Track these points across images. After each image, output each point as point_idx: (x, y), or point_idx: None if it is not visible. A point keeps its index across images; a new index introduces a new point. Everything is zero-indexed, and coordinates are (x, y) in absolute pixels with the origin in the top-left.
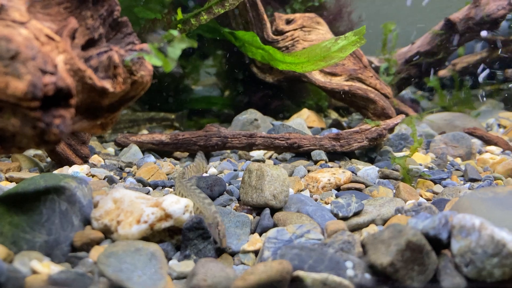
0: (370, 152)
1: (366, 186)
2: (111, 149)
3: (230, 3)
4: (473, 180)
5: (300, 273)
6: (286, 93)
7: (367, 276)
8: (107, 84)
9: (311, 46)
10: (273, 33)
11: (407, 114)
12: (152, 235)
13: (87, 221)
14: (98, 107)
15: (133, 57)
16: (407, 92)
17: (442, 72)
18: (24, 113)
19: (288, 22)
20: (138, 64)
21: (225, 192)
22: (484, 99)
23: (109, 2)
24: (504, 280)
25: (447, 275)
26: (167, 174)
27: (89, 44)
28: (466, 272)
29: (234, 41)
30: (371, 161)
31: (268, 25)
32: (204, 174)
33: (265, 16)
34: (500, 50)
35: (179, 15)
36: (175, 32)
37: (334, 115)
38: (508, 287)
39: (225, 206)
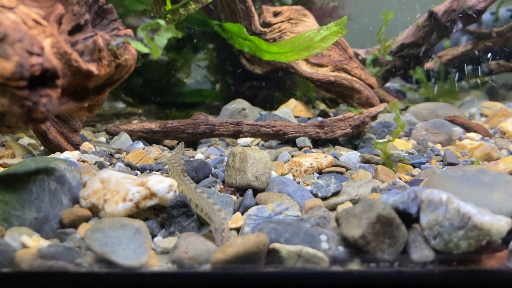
0: (354, 140)
1: (347, 170)
2: (102, 138)
3: None
4: (452, 164)
5: (276, 245)
6: (275, 84)
7: (341, 248)
8: (92, 67)
9: (295, 36)
10: (261, 25)
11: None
12: (138, 213)
13: (76, 201)
14: (84, 89)
15: (119, 43)
16: (392, 84)
17: (428, 64)
18: (12, 92)
19: (276, 14)
20: (122, 49)
21: (210, 175)
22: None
23: None
24: (470, 251)
25: (416, 247)
26: (155, 159)
27: (76, 29)
28: (434, 244)
29: (222, 33)
30: (355, 148)
31: (256, 17)
32: (191, 159)
33: (253, 9)
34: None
35: (168, 5)
36: (162, 22)
37: (322, 106)
38: (473, 258)
39: (209, 187)
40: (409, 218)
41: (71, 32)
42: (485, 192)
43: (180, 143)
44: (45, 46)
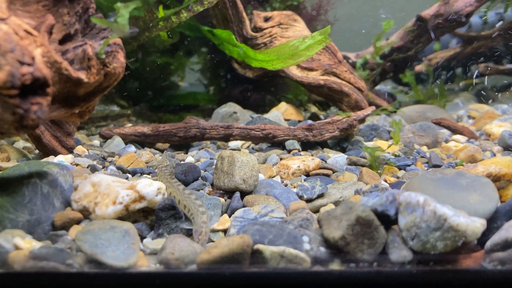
0: (342, 142)
1: (334, 172)
2: (96, 142)
3: (209, 1)
4: (436, 166)
5: (260, 246)
6: (267, 88)
7: (322, 249)
8: (82, 75)
9: (281, 44)
10: (252, 30)
11: (378, 106)
12: (128, 216)
13: (68, 203)
14: (74, 96)
15: (108, 51)
16: (383, 87)
17: (419, 67)
18: (4, 100)
19: (266, 19)
20: (111, 57)
21: (200, 178)
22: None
23: (84, 0)
24: (446, 252)
25: (395, 248)
26: (146, 163)
27: (66, 38)
28: (412, 245)
29: (213, 39)
30: (343, 150)
31: (247, 22)
32: (182, 162)
33: (244, 14)
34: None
35: (161, 13)
36: (118, 4)
37: (314, 109)
38: (450, 259)
39: (198, 190)
40: (387, 220)
41: (62, 41)
42: (463, 195)
43: (165, 151)
44: (36, 55)
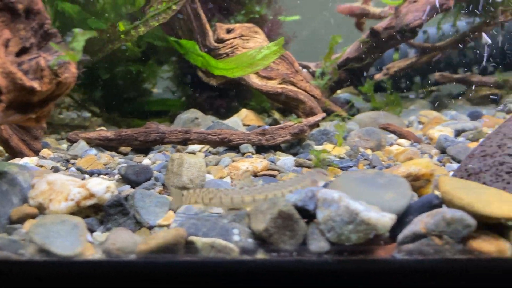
0: (295, 146)
1: (280, 173)
2: (65, 145)
3: (163, 17)
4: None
5: (193, 238)
6: (233, 95)
7: (250, 240)
8: (35, 84)
9: (239, 54)
10: (215, 41)
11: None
12: (79, 211)
13: (26, 200)
14: (29, 103)
15: (57, 61)
16: (342, 94)
17: (378, 76)
18: None
19: (229, 31)
20: (64, 68)
21: (152, 178)
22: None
23: (40, 16)
24: (360, 243)
25: (314, 239)
26: (104, 164)
27: (22, 51)
28: (328, 237)
29: (179, 48)
30: (295, 154)
31: (211, 33)
32: (136, 163)
33: (207, 26)
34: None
35: (121, 27)
36: (76, 30)
37: (277, 115)
38: (363, 249)
39: (148, 189)
40: (307, 214)
41: (18, 54)
42: (379, 192)
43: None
44: None
